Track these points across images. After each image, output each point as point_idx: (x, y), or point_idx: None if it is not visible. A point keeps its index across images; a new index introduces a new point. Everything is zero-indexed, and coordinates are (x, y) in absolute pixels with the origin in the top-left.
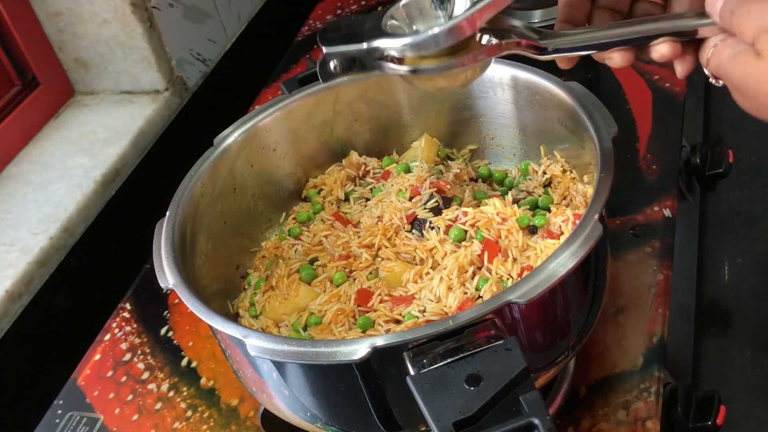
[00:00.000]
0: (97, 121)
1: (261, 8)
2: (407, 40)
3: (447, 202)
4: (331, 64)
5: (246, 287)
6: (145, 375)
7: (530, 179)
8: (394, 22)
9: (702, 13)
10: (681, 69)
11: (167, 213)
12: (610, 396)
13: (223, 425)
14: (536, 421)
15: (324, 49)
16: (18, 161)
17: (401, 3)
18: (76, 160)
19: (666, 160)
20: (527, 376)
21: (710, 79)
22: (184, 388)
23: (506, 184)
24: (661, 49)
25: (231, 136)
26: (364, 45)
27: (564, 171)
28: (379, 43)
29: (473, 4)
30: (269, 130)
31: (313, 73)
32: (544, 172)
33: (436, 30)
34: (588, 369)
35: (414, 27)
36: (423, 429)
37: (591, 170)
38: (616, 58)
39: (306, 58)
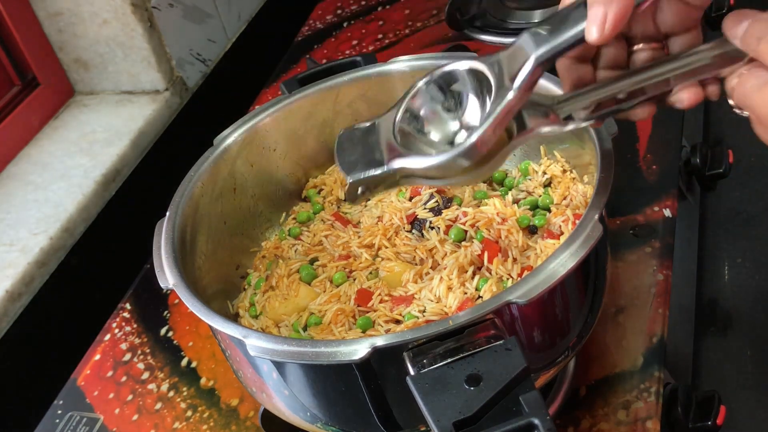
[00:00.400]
0: (97, 121)
1: (261, 8)
2: (431, 161)
3: (447, 202)
4: (359, 190)
5: (246, 287)
6: (145, 375)
7: (530, 179)
8: (405, 127)
9: (720, 43)
10: (688, 98)
11: (167, 213)
12: (610, 396)
13: (223, 425)
14: (536, 421)
15: (348, 179)
16: (18, 161)
17: (408, 98)
18: (76, 160)
19: (666, 160)
20: (527, 376)
21: (734, 109)
22: (184, 388)
23: (506, 184)
24: (682, 97)
25: (231, 136)
26: (386, 169)
27: (564, 171)
28: (402, 163)
29: (491, 109)
30: (269, 130)
31: (313, 73)
32: (544, 172)
33: (457, 151)
34: (588, 369)
35: (427, 130)
36: (423, 429)
37: (591, 170)
38: (639, 113)
39: (306, 58)
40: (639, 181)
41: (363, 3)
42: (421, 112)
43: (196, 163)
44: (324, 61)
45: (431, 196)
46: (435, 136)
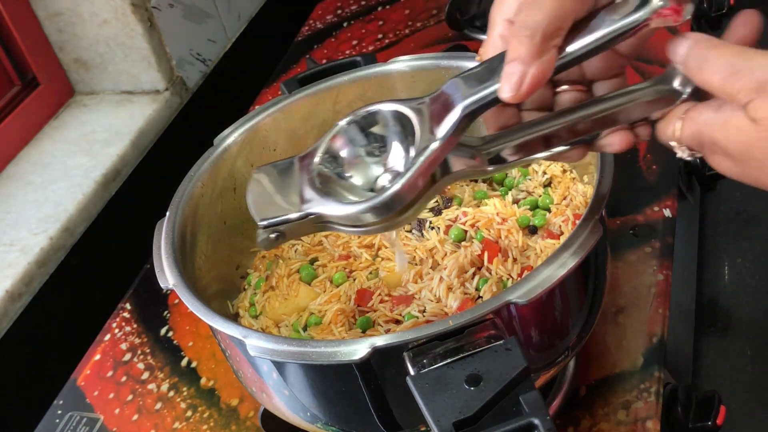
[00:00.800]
0: (97, 121)
1: (261, 8)
2: (349, 209)
3: (447, 202)
4: (273, 236)
5: (246, 287)
6: (145, 375)
7: (530, 179)
8: (324, 170)
9: (651, 84)
10: (619, 142)
11: (167, 213)
12: (610, 396)
13: (223, 425)
14: (536, 421)
15: (260, 224)
16: (18, 161)
17: (328, 138)
18: (76, 160)
19: (666, 160)
20: (527, 376)
21: (679, 154)
22: (184, 388)
23: (506, 184)
24: (612, 140)
25: (231, 136)
26: (301, 213)
27: (564, 171)
28: (318, 209)
29: (415, 159)
30: (269, 130)
31: (313, 73)
32: (544, 172)
33: (377, 201)
34: (588, 369)
35: (348, 174)
36: (423, 429)
37: (591, 170)
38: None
39: (306, 58)
40: (639, 181)
41: (363, 3)
42: (342, 154)
43: (196, 163)
44: (324, 61)
45: None
46: (356, 180)
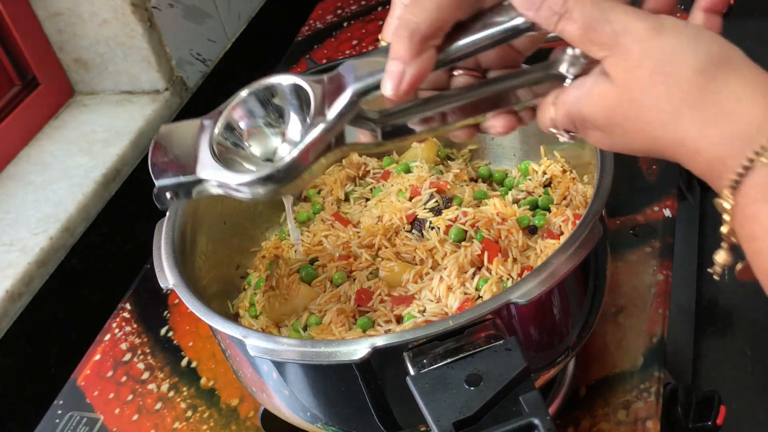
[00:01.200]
0: (97, 121)
1: (261, 8)
2: (241, 179)
3: (447, 202)
4: (167, 195)
5: (246, 287)
6: (145, 375)
7: (530, 179)
8: (223, 140)
9: (538, 68)
10: (502, 125)
11: (167, 213)
12: (610, 396)
13: (223, 425)
14: (536, 421)
15: (156, 183)
16: (18, 161)
17: (229, 108)
18: (76, 160)
19: (666, 161)
20: (527, 376)
21: (561, 139)
22: (184, 388)
23: (506, 184)
24: (495, 123)
25: None
26: (195, 178)
27: (564, 171)
28: (212, 175)
29: (307, 133)
30: None
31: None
32: (544, 172)
33: (268, 171)
34: (588, 369)
35: (247, 143)
36: (423, 429)
37: (591, 170)
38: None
39: (306, 58)
40: (639, 181)
41: (363, 3)
42: (241, 124)
43: None
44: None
45: (431, 196)
46: (255, 149)
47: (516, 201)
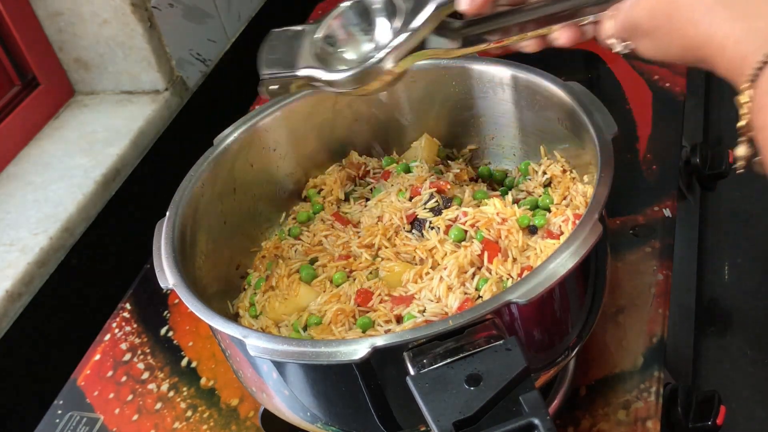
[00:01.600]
0: (97, 121)
1: (261, 8)
2: (333, 76)
3: (447, 202)
4: (271, 87)
5: (246, 287)
6: (145, 375)
7: (530, 179)
8: (323, 44)
9: None
10: (566, 37)
11: (167, 213)
12: (610, 396)
13: (223, 425)
14: (536, 421)
15: (262, 74)
16: (18, 161)
17: (331, 17)
18: (76, 160)
19: (666, 160)
20: (527, 376)
21: (616, 48)
22: (184, 388)
23: (506, 184)
24: (560, 35)
25: (231, 136)
26: (295, 73)
27: (564, 171)
28: (310, 72)
29: (394, 40)
30: (269, 130)
31: None
32: (544, 172)
33: (356, 71)
34: (588, 369)
35: (343, 48)
36: (423, 429)
37: (591, 170)
38: (528, 46)
39: None
40: (639, 181)
41: None
42: (339, 32)
43: (196, 163)
44: None
45: (431, 196)
46: (350, 54)
47: (516, 201)
